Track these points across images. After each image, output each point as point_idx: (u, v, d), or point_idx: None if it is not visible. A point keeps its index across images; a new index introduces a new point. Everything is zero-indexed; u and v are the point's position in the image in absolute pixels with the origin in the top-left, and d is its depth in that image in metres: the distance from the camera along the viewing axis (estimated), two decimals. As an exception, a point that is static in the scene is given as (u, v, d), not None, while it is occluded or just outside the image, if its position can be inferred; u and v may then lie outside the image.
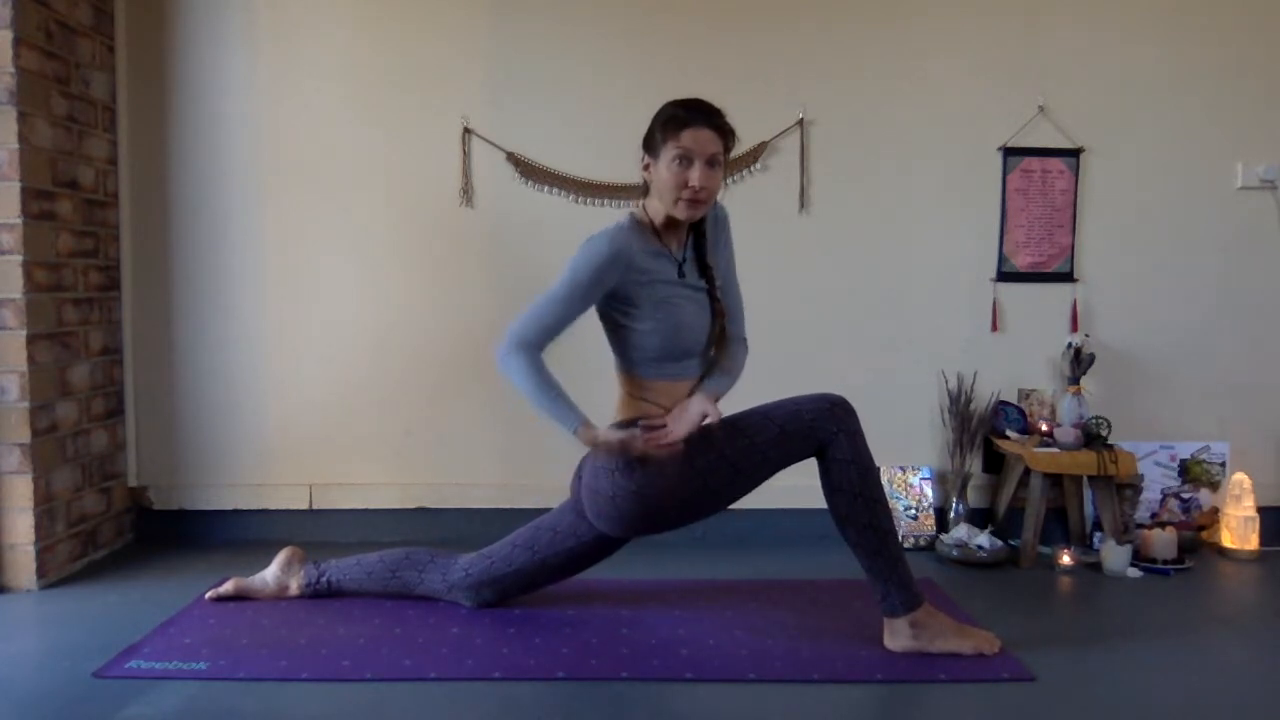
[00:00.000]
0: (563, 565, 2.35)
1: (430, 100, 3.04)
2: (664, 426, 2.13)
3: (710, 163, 2.11)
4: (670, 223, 2.20)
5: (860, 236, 3.12)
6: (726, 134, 2.16)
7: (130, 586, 2.64)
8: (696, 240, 2.27)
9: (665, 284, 2.17)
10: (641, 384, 2.21)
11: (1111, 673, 2.08)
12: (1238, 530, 2.99)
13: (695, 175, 2.10)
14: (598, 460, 2.19)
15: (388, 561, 2.46)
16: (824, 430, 2.10)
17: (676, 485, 2.12)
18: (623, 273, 2.12)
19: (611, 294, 2.15)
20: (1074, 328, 3.13)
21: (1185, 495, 3.17)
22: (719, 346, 2.28)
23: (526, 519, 2.44)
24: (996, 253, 3.13)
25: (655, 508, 2.15)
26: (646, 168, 2.20)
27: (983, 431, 3.11)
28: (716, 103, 2.16)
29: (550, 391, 2.11)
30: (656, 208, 2.20)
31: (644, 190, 2.25)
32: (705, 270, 2.26)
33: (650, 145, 2.17)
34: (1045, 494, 2.91)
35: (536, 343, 2.13)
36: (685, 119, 2.12)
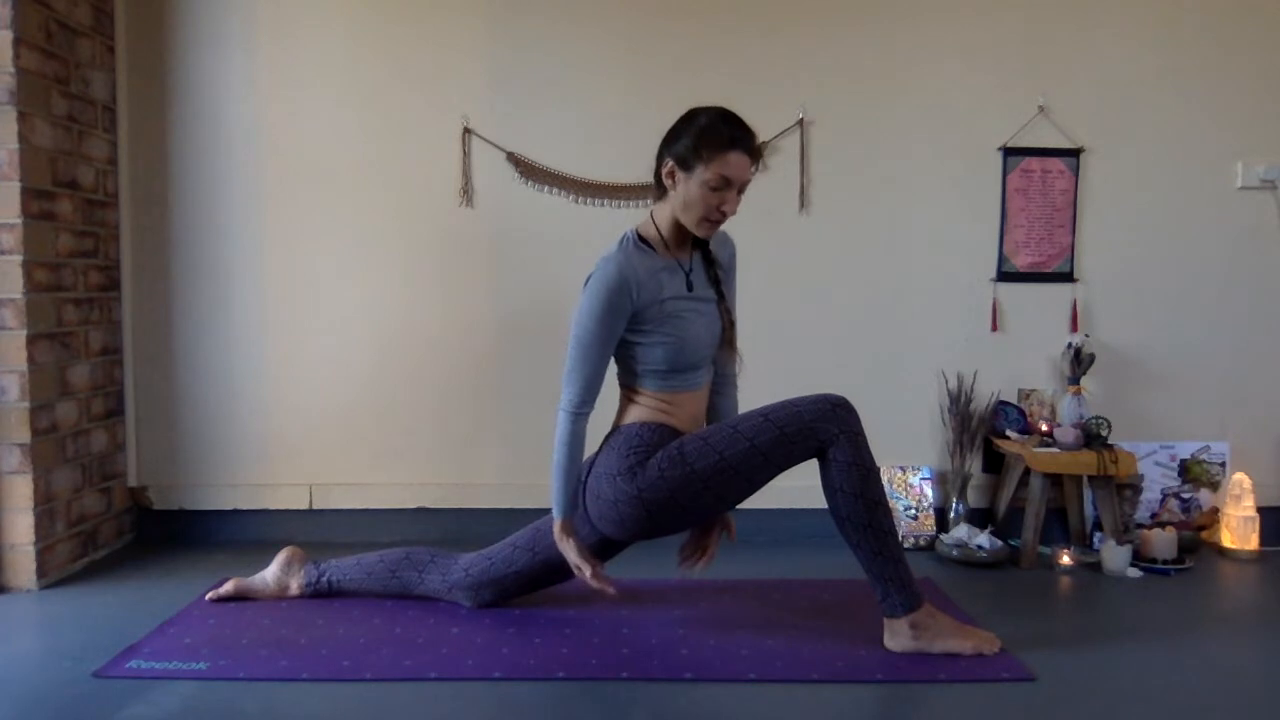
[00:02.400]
0: (563, 566, 2.34)
1: (430, 100, 3.04)
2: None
3: (741, 190, 2.11)
4: (680, 232, 2.19)
5: (860, 236, 3.12)
6: (758, 159, 2.16)
7: (130, 586, 2.64)
8: (703, 250, 2.26)
9: (674, 299, 2.16)
10: (644, 394, 2.21)
11: (1111, 673, 2.08)
12: (1238, 530, 2.99)
13: (731, 204, 2.10)
14: (600, 465, 2.20)
15: (388, 561, 2.46)
16: (825, 431, 2.09)
17: (678, 490, 2.12)
18: (636, 297, 2.11)
19: (630, 317, 2.14)
20: (1074, 328, 3.13)
21: (1185, 495, 3.17)
22: (727, 358, 2.28)
23: (527, 519, 2.44)
24: (996, 253, 3.13)
25: (657, 512, 2.14)
26: (670, 174, 2.13)
27: (983, 431, 3.11)
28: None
29: (564, 475, 2.18)
30: (669, 217, 2.17)
31: (659, 193, 2.19)
32: (714, 279, 2.25)
33: (682, 155, 2.10)
34: (1045, 494, 2.91)
35: (585, 401, 2.17)
36: (730, 140, 2.07)
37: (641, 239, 2.19)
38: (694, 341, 2.17)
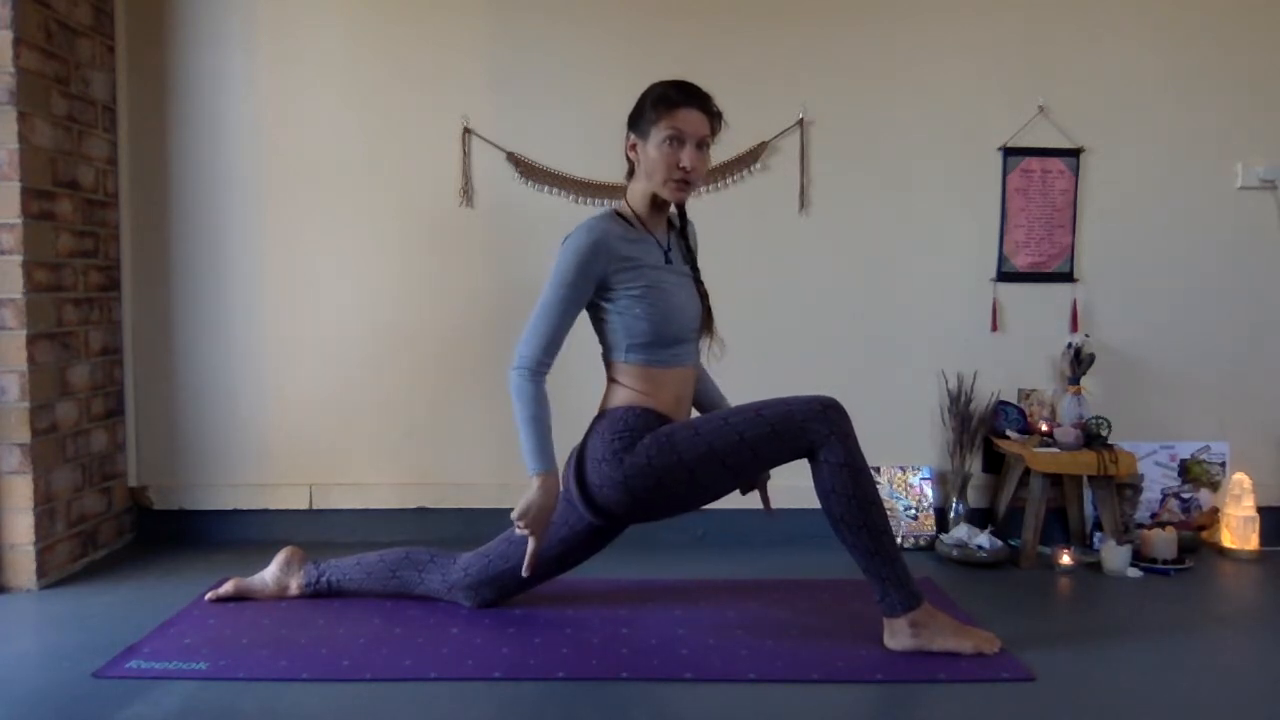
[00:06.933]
0: (559, 557, 2.34)
1: (430, 100, 3.04)
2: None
3: (700, 145, 2.15)
4: (655, 207, 2.23)
5: (860, 236, 3.12)
6: (716, 117, 2.19)
7: (130, 586, 2.64)
8: (679, 231, 2.31)
9: (652, 269, 2.19)
10: (631, 371, 2.21)
11: (1111, 673, 2.08)
12: (1238, 530, 2.99)
13: (686, 156, 2.13)
14: (586, 450, 2.21)
15: (387, 561, 2.46)
16: (815, 432, 2.09)
17: (665, 477, 2.12)
18: (606, 262, 2.14)
19: (599, 284, 2.16)
20: (1074, 328, 3.13)
21: (1185, 495, 3.17)
22: (709, 332, 2.31)
23: (526, 519, 2.44)
24: (996, 253, 3.13)
25: (642, 497, 2.15)
26: (633, 148, 2.21)
27: (983, 431, 3.11)
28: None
29: (536, 425, 2.13)
30: (640, 191, 2.22)
31: (628, 172, 2.26)
32: (689, 257, 2.30)
33: (639, 125, 2.18)
34: (1045, 494, 2.91)
35: (543, 361, 2.16)
36: (677, 99, 2.14)
37: (619, 215, 2.24)
38: (678, 311, 2.20)
